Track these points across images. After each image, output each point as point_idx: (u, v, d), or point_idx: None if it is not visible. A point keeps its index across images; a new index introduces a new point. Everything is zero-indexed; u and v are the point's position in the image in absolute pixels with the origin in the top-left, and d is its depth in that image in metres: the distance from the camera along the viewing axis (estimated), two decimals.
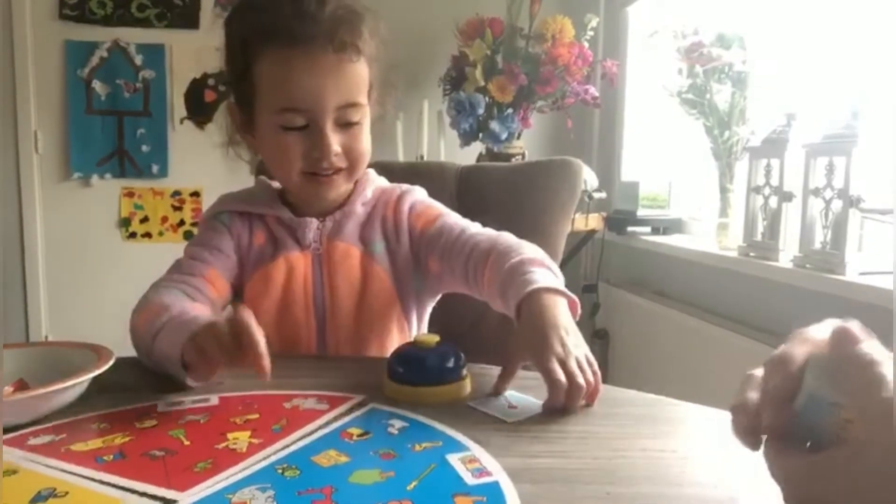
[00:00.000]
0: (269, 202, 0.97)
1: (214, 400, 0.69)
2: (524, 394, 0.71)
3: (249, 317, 0.66)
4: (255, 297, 0.93)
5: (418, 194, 1.01)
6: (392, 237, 0.97)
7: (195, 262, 0.93)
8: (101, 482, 0.51)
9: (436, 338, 0.73)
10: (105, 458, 0.55)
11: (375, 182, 1.01)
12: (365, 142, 0.91)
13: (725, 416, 0.46)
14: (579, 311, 0.76)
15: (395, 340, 0.95)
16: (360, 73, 0.88)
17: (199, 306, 0.85)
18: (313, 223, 0.95)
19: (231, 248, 0.96)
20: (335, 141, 0.87)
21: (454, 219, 0.98)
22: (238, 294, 0.97)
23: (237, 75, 0.90)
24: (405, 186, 1.02)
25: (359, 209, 0.97)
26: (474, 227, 0.95)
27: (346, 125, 0.88)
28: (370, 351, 0.95)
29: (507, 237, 0.90)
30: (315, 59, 0.84)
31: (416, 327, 1.00)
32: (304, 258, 0.94)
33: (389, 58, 0.95)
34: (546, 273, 0.79)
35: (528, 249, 0.85)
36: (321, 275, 0.94)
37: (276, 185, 0.99)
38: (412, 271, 0.97)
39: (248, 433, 0.59)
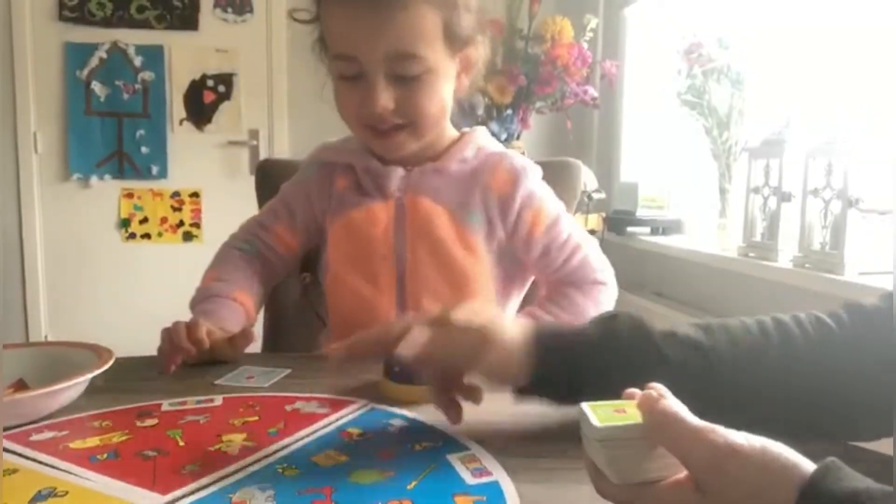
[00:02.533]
0: (358, 151, 0.93)
1: (218, 401, 0.69)
2: None
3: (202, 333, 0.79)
4: (336, 245, 0.91)
5: (533, 181, 0.92)
6: (494, 213, 0.90)
7: (269, 218, 0.97)
8: (91, 481, 0.51)
9: None
10: (99, 456, 0.55)
11: (481, 143, 0.93)
12: (428, 98, 0.83)
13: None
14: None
15: None
16: (416, 21, 0.79)
17: (236, 294, 0.91)
18: (398, 171, 0.90)
19: (304, 205, 0.95)
20: (387, 95, 0.80)
21: (561, 227, 0.93)
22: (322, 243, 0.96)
23: (316, 19, 0.87)
24: (518, 161, 0.93)
25: (453, 167, 0.91)
26: (575, 240, 0.95)
27: (403, 78, 0.81)
28: None
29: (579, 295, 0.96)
30: (359, 4, 0.78)
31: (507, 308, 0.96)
32: (386, 209, 0.90)
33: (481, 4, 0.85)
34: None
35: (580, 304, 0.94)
36: (403, 228, 0.89)
37: None
38: (504, 251, 0.92)
39: (242, 436, 0.59)
